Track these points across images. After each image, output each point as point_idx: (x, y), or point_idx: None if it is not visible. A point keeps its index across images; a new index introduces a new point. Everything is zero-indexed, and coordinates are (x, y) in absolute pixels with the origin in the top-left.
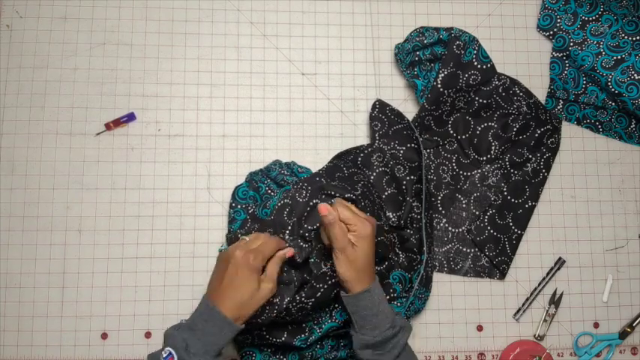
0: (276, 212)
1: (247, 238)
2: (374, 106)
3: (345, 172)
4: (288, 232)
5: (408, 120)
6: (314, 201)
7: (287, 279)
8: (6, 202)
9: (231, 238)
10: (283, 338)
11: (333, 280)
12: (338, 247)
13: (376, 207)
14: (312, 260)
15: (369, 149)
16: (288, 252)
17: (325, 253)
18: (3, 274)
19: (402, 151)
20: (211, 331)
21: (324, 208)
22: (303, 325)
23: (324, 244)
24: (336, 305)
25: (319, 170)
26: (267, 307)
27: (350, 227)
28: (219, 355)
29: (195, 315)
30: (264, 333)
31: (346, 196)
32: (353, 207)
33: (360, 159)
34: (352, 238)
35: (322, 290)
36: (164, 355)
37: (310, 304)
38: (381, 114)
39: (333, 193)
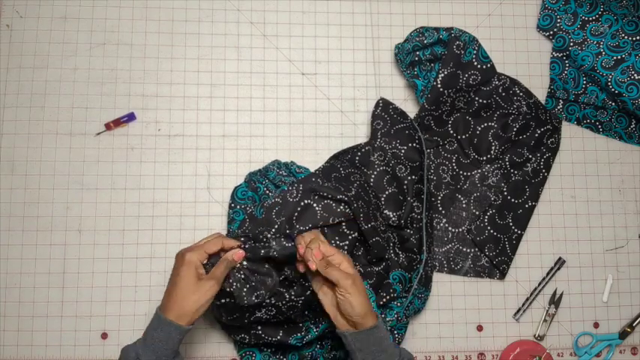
0: (266, 211)
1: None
2: (377, 105)
3: (342, 173)
4: (274, 230)
5: (411, 119)
6: (305, 201)
7: (265, 272)
8: (6, 202)
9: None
10: (279, 337)
11: None
12: (347, 283)
13: (371, 207)
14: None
15: (367, 147)
16: (236, 255)
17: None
18: (3, 274)
19: (403, 151)
20: (160, 336)
21: (312, 263)
22: (300, 324)
23: (305, 278)
24: None
25: (316, 171)
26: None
27: (331, 260)
28: (177, 357)
29: (148, 327)
30: (260, 332)
31: (338, 197)
32: (323, 240)
33: (357, 158)
34: (349, 270)
35: (311, 289)
36: None
37: (300, 302)
38: (384, 113)
39: (325, 194)
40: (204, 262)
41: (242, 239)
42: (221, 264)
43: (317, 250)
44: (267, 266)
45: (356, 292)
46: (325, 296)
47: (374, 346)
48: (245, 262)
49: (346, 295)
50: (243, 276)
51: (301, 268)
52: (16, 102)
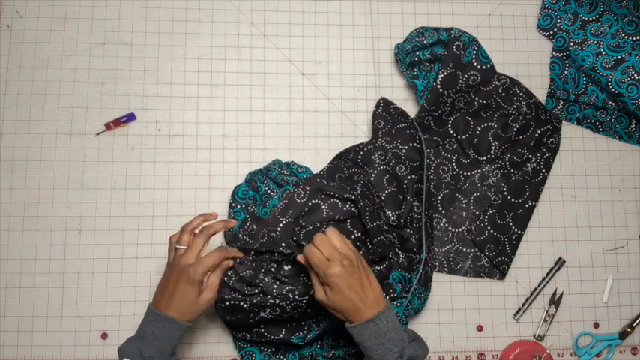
0: (272, 212)
1: (183, 247)
2: (378, 104)
3: (346, 173)
4: (279, 229)
5: (411, 119)
6: (313, 201)
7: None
8: (6, 202)
9: (231, 238)
10: (281, 335)
11: None
12: (317, 296)
13: (376, 207)
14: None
15: (369, 147)
16: (230, 263)
17: None
18: (3, 274)
19: (404, 151)
20: (160, 333)
21: (299, 259)
22: (302, 322)
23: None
24: None
25: (320, 171)
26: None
27: (318, 276)
28: (174, 354)
29: (143, 324)
30: (263, 330)
31: (345, 196)
32: (333, 239)
33: (360, 157)
34: (324, 286)
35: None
36: None
37: (304, 301)
38: (385, 112)
39: (331, 193)
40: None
41: (275, 234)
42: (217, 274)
43: (300, 256)
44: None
45: (330, 303)
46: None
47: (370, 339)
48: (286, 267)
49: (324, 301)
50: (272, 270)
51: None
52: (16, 102)
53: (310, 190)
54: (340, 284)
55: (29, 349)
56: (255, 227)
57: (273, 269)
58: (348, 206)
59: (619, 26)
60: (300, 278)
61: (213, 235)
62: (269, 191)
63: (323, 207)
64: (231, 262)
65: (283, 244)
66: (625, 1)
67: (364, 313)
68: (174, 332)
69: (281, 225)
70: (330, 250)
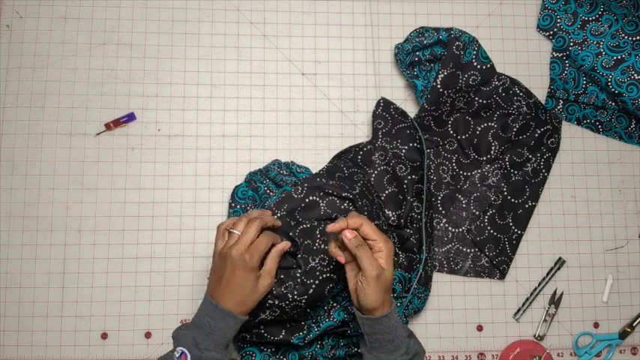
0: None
1: (238, 232)
2: (378, 104)
3: (345, 172)
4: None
5: (412, 119)
6: (310, 198)
7: (289, 265)
8: (6, 202)
9: None
10: (281, 336)
11: (324, 276)
12: (371, 275)
13: (375, 206)
14: (300, 256)
15: (369, 146)
16: (285, 245)
17: (313, 249)
18: (3, 274)
19: (404, 150)
20: (218, 326)
21: (349, 232)
22: (302, 323)
23: (326, 254)
24: (334, 305)
25: (320, 171)
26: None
27: (372, 245)
28: (228, 347)
29: (200, 313)
30: (263, 331)
31: (344, 195)
32: (370, 223)
33: (359, 157)
34: (381, 262)
35: (314, 287)
36: (177, 355)
37: (304, 301)
38: (385, 112)
39: (330, 191)
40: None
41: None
42: (273, 259)
43: (349, 232)
44: (290, 258)
45: (376, 287)
46: (352, 272)
47: (382, 334)
48: None
49: (365, 285)
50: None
51: (333, 251)
52: (16, 102)
53: (309, 187)
54: (386, 283)
55: (29, 349)
56: None
57: None
58: (346, 204)
59: (619, 26)
60: (298, 276)
61: (265, 227)
62: (268, 191)
63: (321, 204)
64: (286, 245)
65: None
66: (625, 1)
67: (385, 305)
68: (232, 326)
69: (275, 217)
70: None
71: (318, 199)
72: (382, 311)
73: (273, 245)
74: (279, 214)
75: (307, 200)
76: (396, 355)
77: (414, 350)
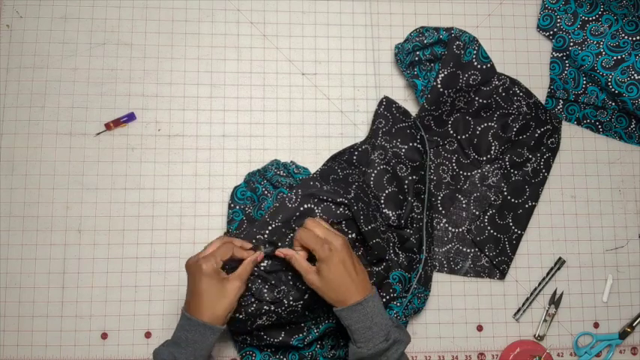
0: (263, 215)
1: (208, 251)
2: (380, 103)
3: (340, 174)
4: (268, 231)
5: (414, 118)
6: (305, 206)
7: (280, 269)
8: (6, 202)
9: None
10: (281, 338)
11: None
12: (305, 278)
13: (371, 208)
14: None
15: (364, 146)
16: (259, 256)
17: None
18: (3, 274)
19: (403, 150)
20: (194, 338)
21: (279, 253)
22: (302, 324)
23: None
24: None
25: (314, 174)
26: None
27: (315, 252)
28: (210, 358)
29: (177, 329)
30: (262, 334)
31: (338, 200)
32: (322, 223)
33: (355, 157)
34: (319, 263)
35: (309, 292)
36: None
37: (300, 306)
38: (387, 111)
39: (324, 197)
40: (220, 267)
41: (263, 238)
42: (247, 264)
43: (285, 250)
44: (275, 262)
45: (320, 284)
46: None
47: (358, 322)
48: (264, 262)
49: (311, 286)
50: (261, 276)
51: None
52: (16, 102)
53: (302, 194)
54: (339, 258)
55: (29, 349)
56: (250, 229)
57: (256, 272)
58: (341, 209)
59: (619, 26)
60: (291, 281)
61: (236, 257)
62: (266, 192)
63: (317, 211)
64: (260, 256)
65: (266, 245)
66: (625, 1)
67: (354, 295)
68: (208, 336)
69: (269, 228)
70: (323, 229)
71: (313, 206)
72: (355, 299)
73: (241, 258)
74: (273, 225)
75: (302, 209)
76: (375, 342)
77: (393, 337)
